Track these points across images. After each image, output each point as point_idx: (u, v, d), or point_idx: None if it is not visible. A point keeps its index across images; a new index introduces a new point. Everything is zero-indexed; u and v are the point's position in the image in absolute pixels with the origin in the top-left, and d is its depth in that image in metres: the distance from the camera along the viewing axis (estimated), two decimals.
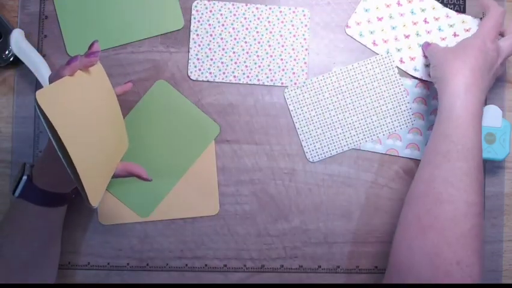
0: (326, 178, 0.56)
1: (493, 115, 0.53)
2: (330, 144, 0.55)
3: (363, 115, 0.55)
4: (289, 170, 0.55)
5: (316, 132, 0.55)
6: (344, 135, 0.55)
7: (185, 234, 0.55)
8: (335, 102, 0.55)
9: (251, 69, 0.55)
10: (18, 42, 0.52)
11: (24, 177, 0.44)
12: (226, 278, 0.55)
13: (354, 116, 0.55)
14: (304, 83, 0.55)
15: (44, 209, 0.45)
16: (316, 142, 0.55)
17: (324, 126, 0.55)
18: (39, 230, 0.46)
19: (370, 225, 0.56)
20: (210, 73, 0.55)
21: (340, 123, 0.55)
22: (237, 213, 0.55)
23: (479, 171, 0.43)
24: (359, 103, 0.55)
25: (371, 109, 0.55)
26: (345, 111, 0.55)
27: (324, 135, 0.55)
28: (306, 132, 0.55)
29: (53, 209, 0.46)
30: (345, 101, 0.55)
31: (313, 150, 0.55)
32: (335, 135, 0.55)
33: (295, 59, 0.56)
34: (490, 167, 0.57)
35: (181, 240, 0.55)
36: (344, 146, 0.55)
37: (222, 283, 0.55)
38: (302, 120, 0.55)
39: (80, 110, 0.40)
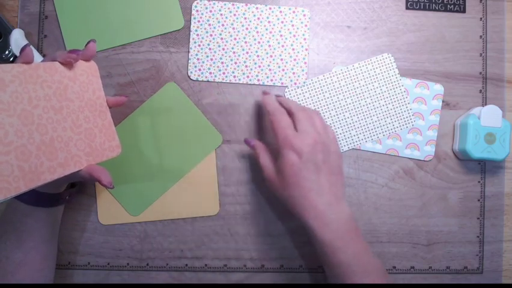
0: None
1: (493, 115, 0.53)
2: None
3: (363, 115, 0.55)
4: None
5: None
6: (344, 135, 0.55)
7: (186, 234, 0.55)
8: (335, 102, 0.55)
9: (251, 69, 0.55)
10: (18, 42, 0.52)
11: None
12: (226, 278, 0.55)
13: (354, 116, 0.55)
14: (304, 83, 0.55)
15: (37, 209, 0.45)
16: None
17: None
18: (32, 231, 0.45)
19: (370, 225, 0.56)
20: (210, 73, 0.55)
21: (340, 123, 0.55)
22: (237, 213, 0.55)
23: (370, 278, 0.44)
24: (359, 103, 0.55)
25: (371, 109, 0.55)
26: (345, 111, 0.55)
27: None
28: None
29: (47, 209, 0.46)
30: (345, 101, 0.55)
31: None
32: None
33: (295, 59, 0.56)
34: (490, 167, 0.57)
35: (181, 240, 0.55)
36: (344, 146, 0.55)
37: (222, 283, 0.55)
38: None
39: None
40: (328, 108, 0.55)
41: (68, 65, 0.41)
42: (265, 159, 0.49)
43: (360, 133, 0.55)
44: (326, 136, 0.47)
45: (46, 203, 0.45)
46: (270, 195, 0.55)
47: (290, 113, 0.48)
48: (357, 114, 0.55)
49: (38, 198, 0.44)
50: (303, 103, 0.55)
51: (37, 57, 0.52)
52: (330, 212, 0.44)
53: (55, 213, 0.48)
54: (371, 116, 0.55)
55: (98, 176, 0.41)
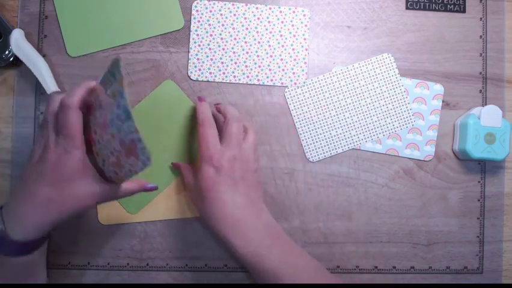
0: (325, 178, 0.56)
1: (493, 115, 0.53)
2: (330, 144, 0.55)
3: (363, 115, 0.55)
4: (289, 170, 0.55)
5: (317, 132, 0.55)
6: (344, 135, 0.55)
7: (185, 234, 0.55)
8: (335, 102, 0.55)
9: (251, 69, 0.55)
10: (18, 42, 0.52)
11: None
12: (226, 278, 0.55)
13: (354, 116, 0.55)
14: (305, 83, 0.55)
15: (22, 257, 0.41)
16: (316, 142, 0.55)
17: (324, 126, 0.55)
18: (20, 276, 0.43)
19: (370, 225, 0.56)
20: (210, 73, 0.55)
21: (340, 123, 0.55)
22: None
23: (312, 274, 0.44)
24: (359, 103, 0.55)
25: (371, 109, 0.55)
26: (345, 111, 0.55)
27: (324, 135, 0.55)
28: (306, 132, 0.55)
29: (20, 258, 0.42)
30: (345, 101, 0.55)
31: (313, 150, 0.55)
32: (335, 135, 0.55)
33: (295, 59, 0.56)
34: (490, 167, 0.57)
35: (181, 240, 0.55)
36: (344, 146, 0.55)
37: (222, 283, 0.55)
38: (302, 120, 0.55)
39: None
40: (328, 108, 0.55)
41: None
42: (188, 178, 0.50)
43: (360, 133, 0.55)
44: (248, 154, 0.47)
45: (32, 249, 0.42)
46: (270, 195, 0.55)
47: (224, 122, 0.48)
48: (357, 114, 0.55)
49: (23, 248, 0.41)
50: (303, 103, 0.55)
51: (37, 57, 0.52)
52: (248, 221, 0.44)
53: (41, 251, 0.44)
54: (371, 116, 0.55)
55: (143, 185, 0.45)
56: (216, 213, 0.44)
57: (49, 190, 0.39)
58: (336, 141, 0.55)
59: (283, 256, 0.44)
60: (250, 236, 0.44)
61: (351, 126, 0.55)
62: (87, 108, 0.41)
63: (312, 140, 0.55)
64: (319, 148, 0.55)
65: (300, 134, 0.55)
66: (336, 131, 0.55)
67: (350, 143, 0.55)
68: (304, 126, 0.55)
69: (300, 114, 0.55)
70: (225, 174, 0.45)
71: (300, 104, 0.55)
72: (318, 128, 0.55)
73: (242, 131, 0.48)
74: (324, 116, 0.55)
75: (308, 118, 0.55)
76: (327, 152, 0.55)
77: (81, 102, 0.40)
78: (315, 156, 0.55)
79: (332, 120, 0.55)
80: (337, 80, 0.56)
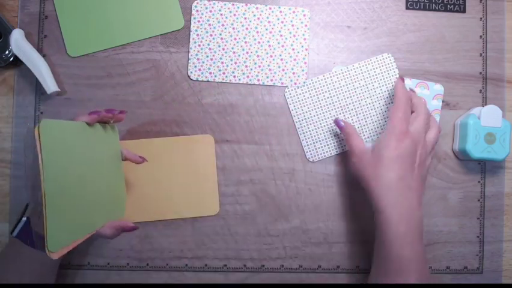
0: (325, 178, 0.56)
1: (493, 115, 0.53)
2: (330, 144, 0.55)
3: (363, 115, 0.55)
4: (289, 170, 0.55)
5: (317, 132, 0.55)
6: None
7: (186, 234, 0.55)
8: (335, 102, 0.55)
9: (251, 69, 0.55)
10: (18, 42, 0.52)
11: (24, 219, 0.44)
12: (226, 278, 0.55)
13: (354, 116, 0.55)
14: (305, 83, 0.55)
15: (39, 253, 0.44)
16: (316, 142, 0.55)
17: (324, 126, 0.55)
18: (34, 275, 0.45)
19: (370, 225, 0.55)
20: (210, 73, 0.55)
21: None
22: (237, 213, 0.55)
23: (424, 279, 0.44)
24: (359, 103, 0.55)
25: (371, 109, 0.55)
26: (345, 111, 0.55)
27: (324, 135, 0.55)
28: (306, 132, 0.55)
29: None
30: (345, 101, 0.55)
31: (313, 150, 0.55)
32: (335, 135, 0.55)
33: (295, 59, 0.56)
34: (490, 167, 0.57)
35: (181, 240, 0.55)
36: (344, 146, 0.55)
37: (222, 283, 0.55)
38: (302, 120, 0.55)
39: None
40: (328, 108, 0.55)
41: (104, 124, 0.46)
42: (357, 138, 0.50)
43: (360, 133, 0.55)
44: (428, 147, 0.48)
45: (38, 242, 0.44)
46: (270, 195, 0.55)
47: (413, 110, 0.49)
48: (357, 114, 0.55)
49: (42, 243, 0.43)
50: (303, 103, 0.55)
51: (37, 57, 0.52)
52: (409, 206, 0.45)
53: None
54: (371, 116, 0.55)
55: (124, 226, 0.45)
56: (386, 181, 0.45)
57: None
58: (336, 141, 0.55)
59: (420, 253, 0.45)
60: (407, 220, 0.44)
61: None
62: None
63: (312, 140, 0.55)
64: (319, 148, 0.55)
65: (300, 134, 0.55)
66: (336, 131, 0.55)
67: None
68: (304, 126, 0.55)
69: (300, 114, 0.55)
70: (408, 153, 0.46)
71: (300, 104, 0.55)
72: (318, 128, 0.55)
73: (427, 125, 0.49)
74: (324, 116, 0.55)
75: (308, 118, 0.55)
76: (327, 152, 0.55)
77: None
78: (315, 156, 0.55)
79: (332, 120, 0.55)
80: (337, 80, 0.56)
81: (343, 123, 0.52)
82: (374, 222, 0.47)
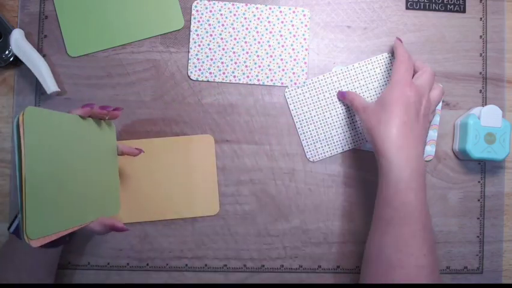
0: (326, 178, 0.56)
1: (493, 115, 0.53)
2: (330, 144, 0.55)
3: None
4: (289, 170, 0.55)
5: (317, 132, 0.55)
6: (344, 135, 0.55)
7: (185, 234, 0.55)
8: (335, 102, 0.55)
9: (251, 69, 0.55)
10: (18, 42, 0.52)
11: (20, 216, 0.44)
12: (226, 278, 0.55)
13: (354, 115, 0.55)
14: (305, 83, 0.55)
15: (38, 249, 0.44)
16: (317, 142, 0.55)
17: (324, 126, 0.55)
18: (31, 271, 0.46)
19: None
20: (210, 73, 0.55)
21: (340, 123, 0.55)
22: (237, 213, 0.55)
23: (427, 231, 0.43)
24: None
25: None
26: (345, 111, 0.55)
27: (324, 135, 0.55)
28: (306, 132, 0.55)
29: (47, 250, 0.46)
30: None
31: (313, 150, 0.55)
32: (335, 135, 0.55)
33: (295, 59, 0.56)
34: (490, 167, 0.57)
35: (181, 240, 0.55)
36: (344, 145, 0.55)
37: (222, 283, 0.55)
38: (302, 120, 0.55)
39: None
40: (328, 108, 0.55)
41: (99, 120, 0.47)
42: (359, 98, 0.51)
43: (360, 133, 0.55)
44: (431, 104, 0.48)
45: (45, 245, 0.42)
46: (270, 195, 0.55)
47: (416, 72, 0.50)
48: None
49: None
50: (303, 103, 0.55)
51: (37, 57, 0.52)
52: (414, 151, 0.44)
53: (54, 254, 0.48)
54: None
55: (111, 224, 0.44)
56: (391, 126, 0.44)
57: None
58: (336, 141, 0.55)
59: (423, 200, 0.44)
60: (411, 165, 0.43)
61: (351, 126, 0.55)
62: None
63: (312, 140, 0.55)
64: (319, 148, 0.55)
65: (300, 134, 0.55)
66: (336, 131, 0.55)
67: (351, 143, 0.55)
68: (305, 126, 0.55)
69: (300, 114, 0.55)
70: (413, 102, 0.45)
71: (300, 104, 0.55)
72: (319, 127, 0.55)
73: (432, 84, 0.49)
74: (324, 116, 0.55)
75: (308, 118, 0.55)
76: (327, 152, 0.55)
77: None
78: (315, 156, 0.55)
79: (332, 120, 0.55)
80: (337, 80, 0.56)
81: (345, 92, 0.53)
82: (378, 173, 0.46)
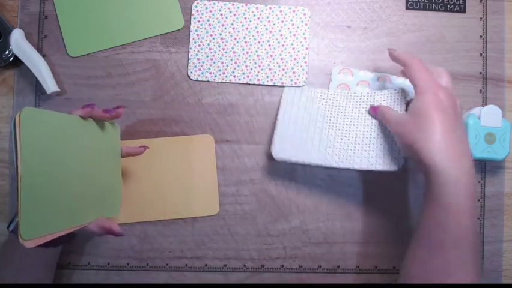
0: (326, 178, 0.56)
1: (493, 115, 0.53)
2: (301, 151, 0.51)
3: (357, 139, 0.51)
4: (289, 170, 0.55)
5: (294, 133, 0.53)
6: (319, 149, 0.51)
7: (185, 234, 0.55)
8: (325, 116, 0.53)
9: (251, 69, 0.55)
10: (18, 42, 0.52)
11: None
12: (226, 278, 0.55)
13: (351, 137, 0.52)
14: (303, 89, 0.55)
15: (38, 249, 0.42)
16: (288, 142, 0.53)
17: (305, 133, 0.52)
18: (30, 271, 0.45)
19: (370, 225, 0.56)
20: (210, 73, 0.55)
21: (320, 136, 0.52)
22: (237, 213, 0.55)
23: (476, 254, 0.41)
24: (356, 128, 0.52)
25: (369, 136, 0.52)
26: (337, 129, 0.53)
27: (300, 141, 0.52)
28: (284, 129, 0.52)
29: (47, 250, 0.46)
30: (344, 120, 0.53)
31: (281, 148, 0.52)
32: (310, 145, 0.51)
33: (295, 59, 0.56)
34: (490, 167, 0.57)
35: (181, 240, 0.55)
36: (315, 159, 0.51)
37: (222, 283, 0.55)
38: (285, 118, 0.53)
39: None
40: (315, 118, 0.55)
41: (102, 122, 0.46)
42: (390, 110, 0.48)
43: (354, 155, 0.55)
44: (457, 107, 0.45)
45: (45, 244, 0.41)
46: (270, 195, 0.55)
47: None
48: (354, 137, 0.52)
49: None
50: (304, 104, 0.55)
51: (37, 57, 0.52)
52: (468, 163, 0.41)
53: (53, 255, 0.48)
54: (364, 143, 0.52)
55: (109, 227, 0.43)
56: (432, 136, 0.41)
57: None
58: (309, 151, 0.51)
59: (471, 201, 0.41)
60: (463, 170, 0.40)
61: (330, 144, 0.52)
62: None
63: (288, 138, 0.52)
64: (288, 150, 0.51)
65: (277, 127, 0.53)
66: (312, 142, 0.52)
67: (321, 160, 0.50)
68: (286, 123, 0.52)
69: (288, 111, 0.53)
70: (449, 105, 0.43)
71: (292, 104, 0.54)
72: (298, 130, 0.52)
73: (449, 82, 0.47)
74: (309, 124, 0.53)
75: (293, 119, 0.53)
76: (293, 156, 0.50)
77: None
78: (279, 153, 0.51)
79: (314, 130, 0.52)
80: (338, 99, 0.54)
81: (377, 106, 0.51)
82: (425, 187, 0.43)
